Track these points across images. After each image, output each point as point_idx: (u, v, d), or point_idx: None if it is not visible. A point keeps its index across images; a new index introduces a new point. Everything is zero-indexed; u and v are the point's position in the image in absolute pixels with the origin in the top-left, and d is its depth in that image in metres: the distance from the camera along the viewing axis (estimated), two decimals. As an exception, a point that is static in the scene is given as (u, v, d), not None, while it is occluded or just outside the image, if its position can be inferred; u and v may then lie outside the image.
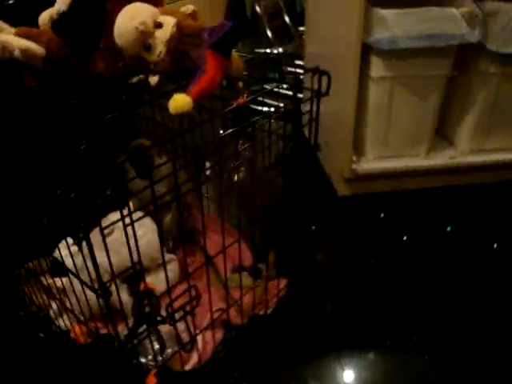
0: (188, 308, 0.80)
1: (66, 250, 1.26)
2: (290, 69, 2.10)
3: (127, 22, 0.82)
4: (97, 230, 1.08)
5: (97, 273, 0.68)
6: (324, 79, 0.91)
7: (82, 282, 0.77)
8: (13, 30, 1.01)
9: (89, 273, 0.79)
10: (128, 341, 0.74)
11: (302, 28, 2.36)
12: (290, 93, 1.72)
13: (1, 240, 1.21)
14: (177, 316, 0.80)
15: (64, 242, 1.29)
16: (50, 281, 1.19)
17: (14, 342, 1.13)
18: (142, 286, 0.74)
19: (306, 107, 0.96)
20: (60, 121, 1.07)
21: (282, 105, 0.87)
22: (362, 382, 1.00)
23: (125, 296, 1.05)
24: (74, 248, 1.26)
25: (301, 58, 2.14)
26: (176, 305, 0.82)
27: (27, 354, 1.10)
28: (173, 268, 1.11)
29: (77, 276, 0.78)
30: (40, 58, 0.90)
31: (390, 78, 1.34)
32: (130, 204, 1.41)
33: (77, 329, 1.07)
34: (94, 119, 1.01)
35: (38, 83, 0.93)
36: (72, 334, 1.08)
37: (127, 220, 0.74)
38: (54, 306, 1.12)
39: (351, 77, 1.33)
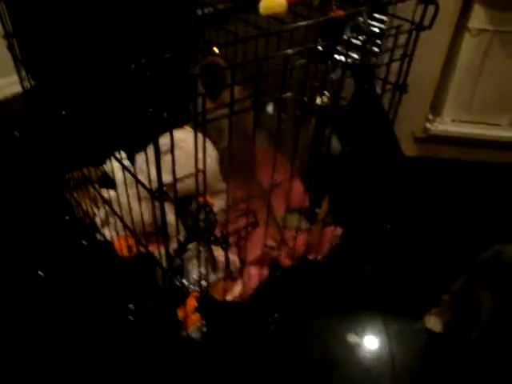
0: (243, 234, 0.75)
1: (117, 163, 1.23)
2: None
3: None
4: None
5: (158, 174, 0.63)
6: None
7: (139, 182, 0.72)
8: None
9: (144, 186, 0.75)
10: (177, 255, 0.70)
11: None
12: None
13: (54, 143, 1.19)
14: (230, 240, 0.75)
15: (117, 154, 1.27)
16: (98, 190, 1.17)
17: (57, 245, 1.12)
18: (201, 199, 0.69)
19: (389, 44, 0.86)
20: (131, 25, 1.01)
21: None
22: (402, 349, 0.94)
23: (172, 217, 1.01)
24: (125, 162, 1.23)
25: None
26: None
27: (68, 258, 1.09)
28: (225, 198, 1.06)
29: (134, 176, 0.73)
30: None
31: (491, 32, 1.20)
32: (188, 127, 1.37)
33: (122, 240, 1.05)
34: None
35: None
36: (116, 245, 1.06)
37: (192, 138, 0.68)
38: (101, 213, 1.10)
39: (446, 25, 1.20)
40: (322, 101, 0.88)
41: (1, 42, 1.56)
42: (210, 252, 0.74)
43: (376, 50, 1.50)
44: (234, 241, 0.75)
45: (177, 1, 1.20)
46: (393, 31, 0.81)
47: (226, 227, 0.72)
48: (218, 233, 0.74)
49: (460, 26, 1.22)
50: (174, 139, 1.05)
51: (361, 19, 2.24)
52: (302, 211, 1.09)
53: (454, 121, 1.37)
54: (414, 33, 0.83)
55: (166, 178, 0.70)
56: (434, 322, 0.96)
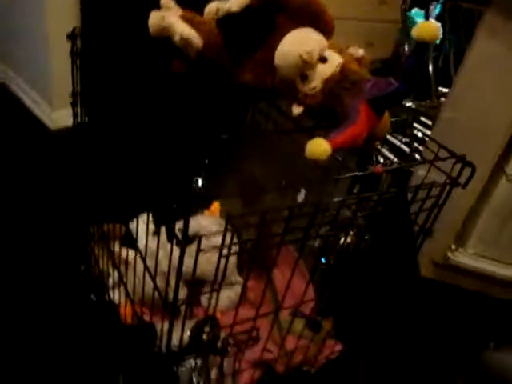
0: (243, 347, 0.76)
1: (142, 226, 1.27)
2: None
3: (294, 45, 0.79)
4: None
5: (176, 287, 0.65)
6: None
7: (156, 288, 0.75)
8: (179, 11, 1.02)
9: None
10: (177, 358, 0.71)
11: (441, 88, 2.25)
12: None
13: (82, 195, 1.24)
14: (229, 349, 0.76)
15: (143, 216, 1.31)
16: (117, 249, 1.20)
17: (66, 295, 1.15)
18: (208, 312, 0.71)
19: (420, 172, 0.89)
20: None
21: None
22: None
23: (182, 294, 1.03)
24: (150, 226, 1.27)
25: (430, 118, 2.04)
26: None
27: (74, 311, 1.11)
28: (237, 291, 1.08)
29: (152, 277, 0.76)
30: (196, 49, 0.90)
31: (527, 181, 1.23)
32: (217, 205, 1.40)
33: (127, 308, 1.07)
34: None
35: (185, 72, 0.92)
36: (121, 310, 1.08)
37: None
38: (115, 275, 1.12)
39: (483, 166, 1.23)
40: (345, 241, 0.91)
41: (63, 78, 1.67)
42: (206, 364, 0.76)
43: (417, 156, 1.54)
44: (234, 351, 0.76)
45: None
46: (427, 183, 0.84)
47: (226, 340, 0.74)
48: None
49: (498, 168, 1.25)
50: (197, 225, 1.09)
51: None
52: (307, 318, 1.09)
53: (475, 254, 1.38)
54: (447, 187, 0.86)
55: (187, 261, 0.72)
56: None
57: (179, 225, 0.88)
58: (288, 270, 0.91)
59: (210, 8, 1.06)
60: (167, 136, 1.33)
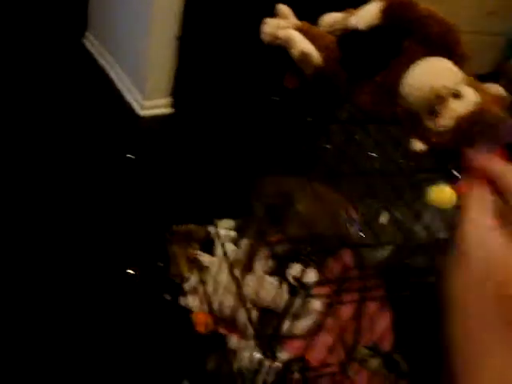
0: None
1: (222, 231, 1.24)
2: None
3: (428, 77, 0.73)
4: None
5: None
6: None
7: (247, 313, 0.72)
8: (295, 20, 0.98)
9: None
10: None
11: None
12: None
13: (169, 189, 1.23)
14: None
15: (226, 222, 1.29)
16: (195, 252, 1.19)
17: (139, 289, 1.14)
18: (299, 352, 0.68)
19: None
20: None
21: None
22: None
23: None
24: (231, 233, 1.24)
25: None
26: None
27: (145, 307, 1.10)
28: (313, 318, 1.03)
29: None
30: (315, 67, 0.85)
31: None
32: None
33: (201, 315, 1.05)
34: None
35: (297, 88, 0.88)
36: (194, 317, 1.07)
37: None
38: (192, 281, 1.11)
39: None
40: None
41: (159, 68, 1.68)
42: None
43: None
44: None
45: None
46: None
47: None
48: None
49: None
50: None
51: None
52: (380, 353, 1.04)
53: None
54: None
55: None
56: None
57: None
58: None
59: (326, 20, 1.00)
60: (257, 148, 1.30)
